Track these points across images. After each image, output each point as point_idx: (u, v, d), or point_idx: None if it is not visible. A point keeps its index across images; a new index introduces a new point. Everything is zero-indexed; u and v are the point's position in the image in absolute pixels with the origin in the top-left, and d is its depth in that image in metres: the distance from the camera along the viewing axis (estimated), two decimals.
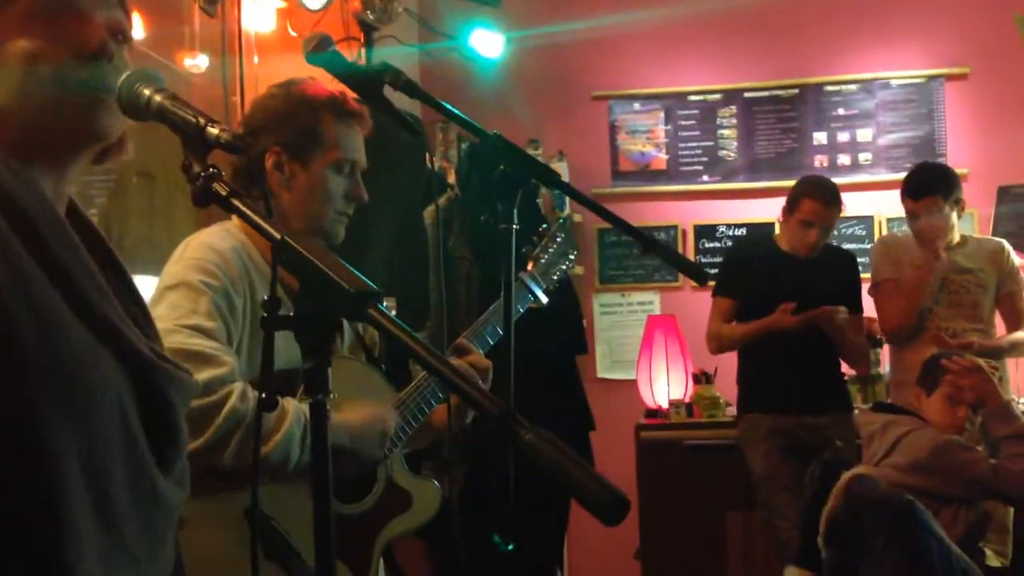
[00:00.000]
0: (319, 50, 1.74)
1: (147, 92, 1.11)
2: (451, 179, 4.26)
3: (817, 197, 3.71)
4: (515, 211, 1.73)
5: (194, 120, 1.11)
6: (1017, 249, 3.93)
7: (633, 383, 4.63)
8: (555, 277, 2.23)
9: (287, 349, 1.80)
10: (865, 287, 3.89)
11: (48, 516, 1.05)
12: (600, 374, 4.98)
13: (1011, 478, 2.74)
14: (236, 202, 1.09)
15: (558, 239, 2.23)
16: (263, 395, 1.04)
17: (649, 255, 1.73)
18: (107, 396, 1.13)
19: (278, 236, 1.03)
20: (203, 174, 1.10)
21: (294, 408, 1.75)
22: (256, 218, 1.07)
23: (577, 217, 5.04)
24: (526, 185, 1.81)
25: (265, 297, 1.04)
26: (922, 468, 2.79)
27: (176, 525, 1.25)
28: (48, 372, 1.07)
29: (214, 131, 1.11)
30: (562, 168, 4.94)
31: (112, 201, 3.03)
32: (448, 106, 1.72)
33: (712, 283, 3.87)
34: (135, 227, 3.16)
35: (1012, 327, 3.68)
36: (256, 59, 3.94)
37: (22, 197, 1.09)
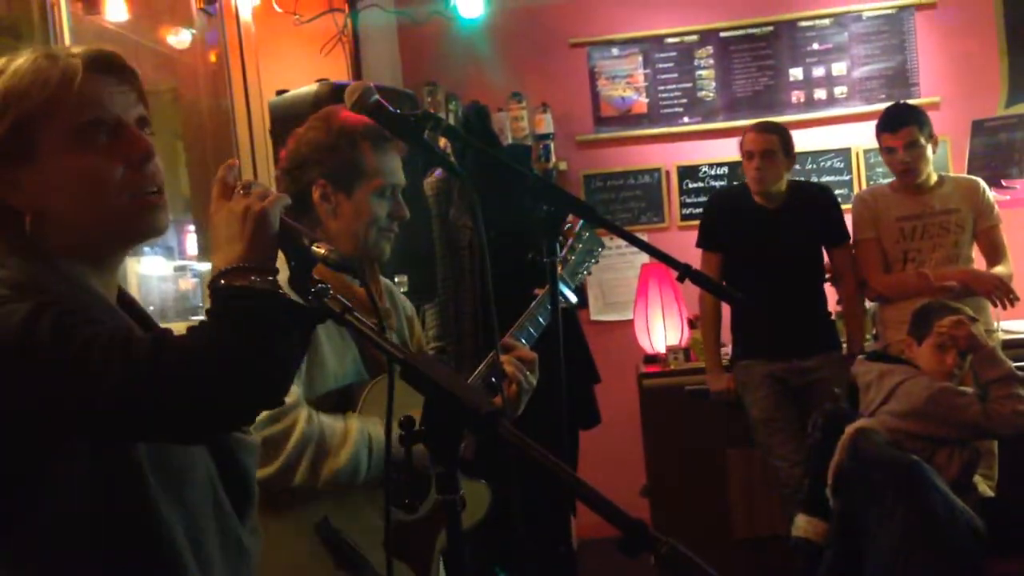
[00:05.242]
0: (363, 102, 1.81)
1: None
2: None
3: (751, 129, 3.93)
4: (557, 246, 1.85)
5: (303, 240, 1.23)
6: (991, 182, 4.10)
7: (627, 324, 4.80)
8: (582, 275, 2.33)
9: (340, 367, 1.94)
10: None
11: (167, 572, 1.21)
12: (594, 317, 5.15)
13: (1000, 419, 2.96)
14: (350, 318, 1.21)
15: (584, 237, 2.32)
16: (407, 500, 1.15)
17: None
18: (198, 472, 1.28)
19: (401, 356, 1.15)
20: (313, 290, 1.21)
21: (358, 425, 1.87)
22: (375, 336, 1.19)
23: (562, 165, 5.14)
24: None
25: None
26: (918, 414, 3.00)
27: (256, 572, 1.40)
28: (152, 460, 1.20)
29: (320, 250, 1.22)
30: (546, 119, 5.01)
31: None
32: (490, 150, 1.82)
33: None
34: None
35: (992, 262, 3.85)
36: (241, 35, 3.95)
37: (75, 298, 1.19)
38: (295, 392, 1.83)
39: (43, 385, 1.07)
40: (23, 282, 1.17)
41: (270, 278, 1.14)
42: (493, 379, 2.02)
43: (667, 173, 5.19)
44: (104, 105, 1.22)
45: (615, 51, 5.19)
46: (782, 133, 3.91)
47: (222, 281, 1.13)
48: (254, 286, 1.13)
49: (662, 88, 5.17)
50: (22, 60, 1.21)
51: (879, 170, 4.92)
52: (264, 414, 1.71)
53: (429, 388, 1.12)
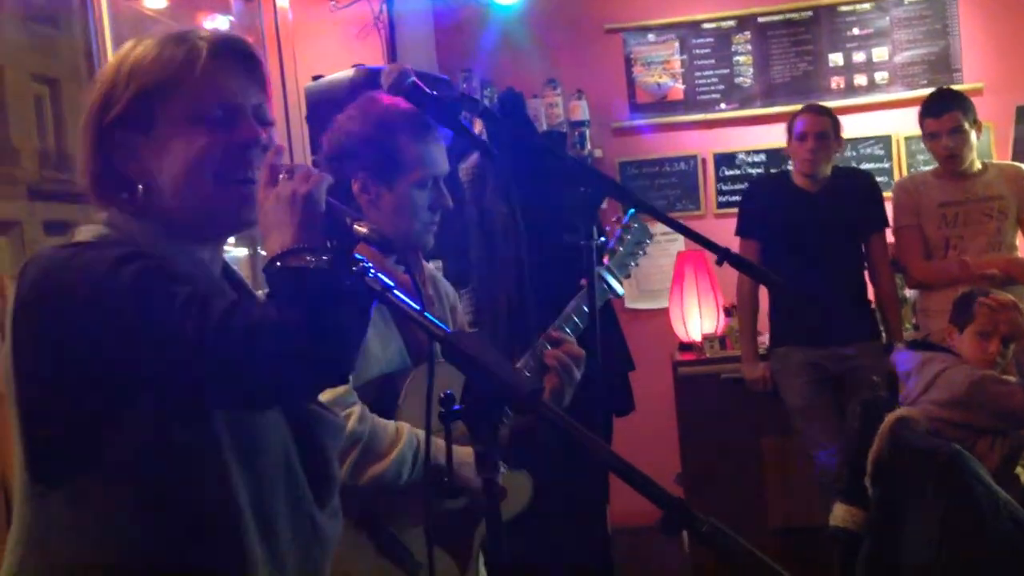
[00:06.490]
0: (399, 83, 1.81)
1: None
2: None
3: (805, 111, 3.89)
4: (594, 228, 1.83)
5: (345, 219, 1.22)
6: None
7: (662, 312, 4.77)
8: (630, 267, 2.30)
9: (384, 354, 1.94)
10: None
11: (230, 542, 1.22)
12: (629, 305, 5.12)
13: None
14: (390, 296, 1.21)
15: (633, 228, 2.29)
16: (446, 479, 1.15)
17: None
18: (272, 444, 1.28)
19: (442, 334, 1.15)
20: (355, 269, 1.21)
21: (407, 433, 1.86)
22: (416, 315, 1.18)
23: (597, 152, 5.11)
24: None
25: None
26: (959, 403, 2.95)
27: (331, 557, 1.40)
28: (227, 424, 1.22)
29: (362, 229, 1.22)
30: (581, 106, 4.98)
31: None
32: (533, 138, 1.80)
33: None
34: None
35: None
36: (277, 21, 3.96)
37: (178, 261, 1.23)
38: (349, 383, 1.82)
39: (116, 330, 1.11)
40: (125, 240, 1.22)
41: (324, 257, 1.15)
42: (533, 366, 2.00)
43: (703, 160, 5.14)
44: (222, 89, 1.25)
45: (651, 37, 5.15)
46: (833, 116, 3.89)
47: (278, 263, 1.15)
48: (309, 266, 1.14)
49: (699, 74, 5.13)
50: (153, 39, 1.26)
51: (920, 157, 4.85)
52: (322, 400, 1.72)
53: (469, 366, 1.11)
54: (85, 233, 1.26)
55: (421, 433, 1.86)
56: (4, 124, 2.64)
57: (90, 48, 3.11)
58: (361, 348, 1.22)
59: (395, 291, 1.19)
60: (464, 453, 1.89)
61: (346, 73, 3.31)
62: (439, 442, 1.79)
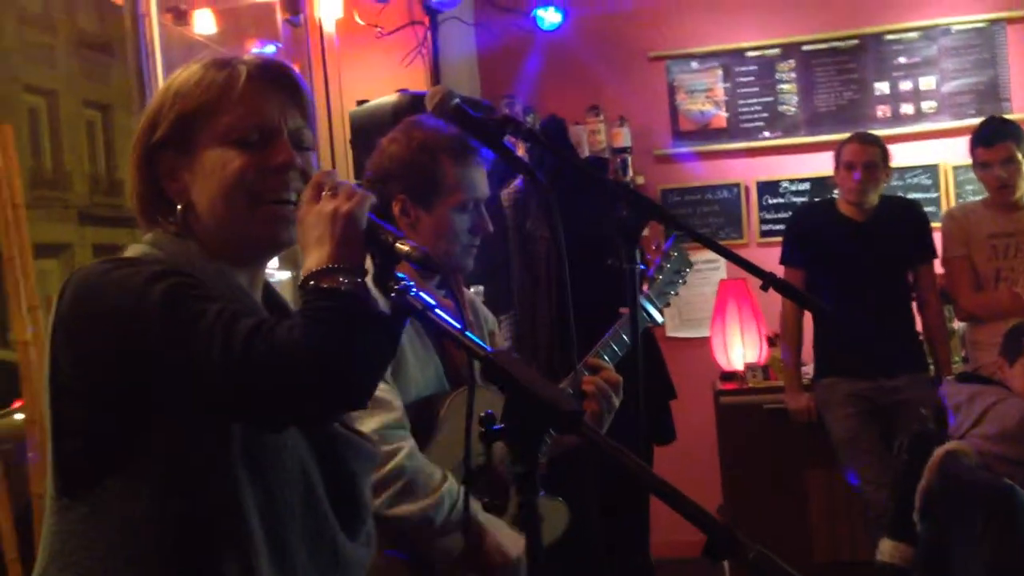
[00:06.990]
0: (443, 105, 1.81)
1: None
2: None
3: (853, 139, 3.85)
4: (637, 252, 1.81)
5: (387, 237, 1.22)
6: None
7: (703, 341, 4.73)
8: (670, 295, 2.28)
9: (422, 376, 1.93)
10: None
11: (240, 560, 1.20)
12: (670, 333, 5.07)
13: None
14: (431, 315, 1.20)
15: (672, 257, 2.28)
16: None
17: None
18: (288, 465, 1.27)
19: (483, 353, 1.13)
20: (397, 288, 1.20)
21: (448, 486, 1.83)
22: (456, 332, 1.17)
23: (639, 179, 5.09)
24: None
25: None
26: (1011, 437, 2.88)
27: None
28: (243, 441, 1.21)
29: (404, 247, 1.21)
30: (624, 133, 4.97)
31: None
32: (576, 161, 1.79)
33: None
34: None
35: None
36: (324, 47, 4.01)
37: (214, 282, 1.22)
38: (401, 408, 1.81)
39: (144, 347, 1.12)
40: (165, 259, 1.24)
41: (358, 280, 1.14)
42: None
43: (746, 188, 5.10)
44: (259, 112, 1.27)
45: (695, 64, 5.14)
46: (882, 145, 3.85)
47: (311, 283, 1.14)
48: (340, 287, 1.13)
49: (742, 102, 5.10)
50: (199, 63, 1.29)
51: (969, 187, 4.77)
52: (372, 427, 1.71)
53: (510, 385, 1.10)
54: (130, 251, 1.28)
55: (463, 489, 1.83)
56: (57, 149, 2.70)
57: (141, 74, 3.17)
58: (390, 372, 1.20)
59: (436, 310, 1.18)
60: (497, 525, 1.87)
61: (390, 98, 3.33)
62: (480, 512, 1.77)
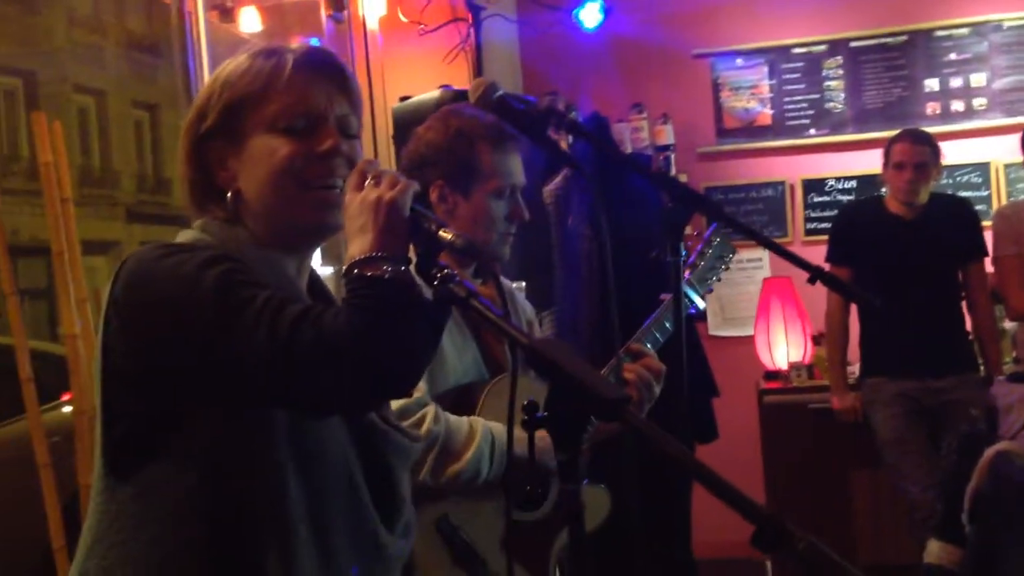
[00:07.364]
0: (487, 96, 1.80)
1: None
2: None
3: (903, 138, 3.77)
4: (681, 245, 1.79)
5: (430, 226, 1.22)
6: None
7: (747, 340, 4.68)
8: (711, 282, 2.26)
9: (460, 363, 1.93)
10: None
11: (282, 547, 1.21)
12: (712, 331, 5.03)
13: None
14: (474, 303, 1.19)
15: (714, 243, 2.25)
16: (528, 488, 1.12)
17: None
18: (332, 456, 1.27)
19: (525, 341, 1.12)
20: (440, 276, 1.20)
21: (482, 428, 1.86)
22: (499, 321, 1.16)
23: (683, 177, 5.05)
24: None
25: None
26: None
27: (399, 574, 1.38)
28: (288, 429, 1.22)
29: (447, 235, 1.20)
30: (667, 130, 4.94)
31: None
32: (619, 154, 1.78)
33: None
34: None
35: None
36: (367, 43, 4.03)
37: (262, 268, 1.23)
38: (422, 388, 1.82)
39: (196, 333, 1.13)
40: (215, 245, 1.25)
41: (402, 268, 1.14)
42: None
43: (791, 186, 5.05)
44: (306, 99, 1.27)
45: (739, 61, 5.09)
46: (933, 143, 3.77)
47: (355, 271, 1.14)
48: (384, 275, 1.13)
49: (788, 99, 5.04)
50: (246, 54, 1.31)
51: (1020, 185, 4.69)
52: (393, 408, 1.72)
53: (553, 373, 1.08)
54: (181, 237, 1.29)
55: (495, 425, 1.86)
56: (106, 148, 2.74)
57: (188, 73, 3.20)
58: (431, 361, 1.20)
59: (479, 298, 1.18)
60: (539, 436, 1.87)
61: (433, 94, 3.34)
62: (518, 433, 1.79)
